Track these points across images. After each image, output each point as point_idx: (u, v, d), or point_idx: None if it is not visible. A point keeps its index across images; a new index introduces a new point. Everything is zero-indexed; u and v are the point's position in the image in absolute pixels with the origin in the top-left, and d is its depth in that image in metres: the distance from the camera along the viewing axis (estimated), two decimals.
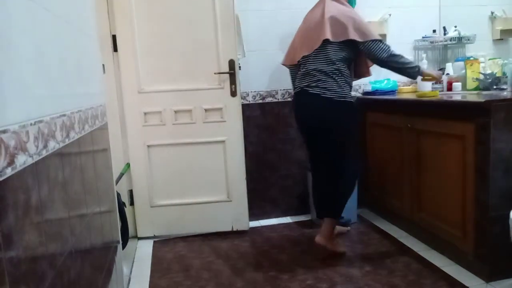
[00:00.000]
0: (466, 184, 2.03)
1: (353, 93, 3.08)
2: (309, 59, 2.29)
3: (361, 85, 3.09)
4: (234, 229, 2.80)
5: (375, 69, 3.10)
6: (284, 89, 2.98)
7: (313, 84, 2.24)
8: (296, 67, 2.43)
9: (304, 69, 2.31)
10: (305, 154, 2.77)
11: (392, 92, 2.97)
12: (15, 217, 0.68)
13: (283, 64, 2.56)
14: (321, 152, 2.35)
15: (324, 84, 2.22)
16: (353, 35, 2.19)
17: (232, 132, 2.71)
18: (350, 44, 2.23)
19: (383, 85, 2.97)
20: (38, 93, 0.88)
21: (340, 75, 2.24)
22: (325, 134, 2.29)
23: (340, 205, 2.36)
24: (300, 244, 2.56)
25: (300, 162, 3.05)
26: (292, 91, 2.51)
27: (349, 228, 2.74)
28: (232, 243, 2.65)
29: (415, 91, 2.99)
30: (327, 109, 2.24)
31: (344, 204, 2.38)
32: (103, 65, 1.96)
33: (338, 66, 2.23)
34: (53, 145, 0.91)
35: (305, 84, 2.28)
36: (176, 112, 2.68)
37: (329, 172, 2.35)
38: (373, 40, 2.19)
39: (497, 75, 2.56)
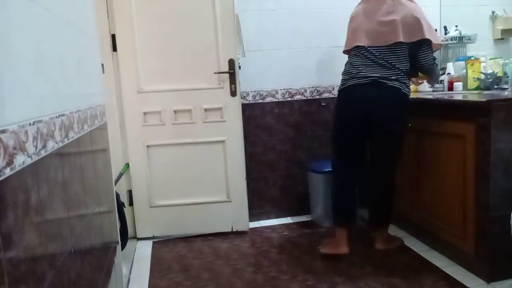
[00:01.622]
0: (467, 184, 2.03)
1: None
2: (385, 51, 2.17)
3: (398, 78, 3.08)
4: (234, 230, 2.80)
5: None
6: (284, 89, 2.97)
7: (393, 77, 2.15)
8: (356, 53, 2.25)
9: (377, 60, 2.17)
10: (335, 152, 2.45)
11: None
12: (15, 217, 0.68)
13: (346, 50, 2.38)
14: (382, 149, 2.26)
15: (403, 79, 2.17)
16: (428, 35, 2.16)
17: (232, 132, 2.71)
18: (415, 44, 2.18)
19: None
20: (37, 93, 0.87)
21: (407, 74, 2.22)
22: (393, 130, 2.21)
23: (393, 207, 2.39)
24: (300, 245, 2.56)
25: (300, 162, 3.04)
26: (348, 77, 2.25)
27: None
28: (232, 243, 2.65)
29: (416, 91, 2.99)
30: (402, 105, 2.19)
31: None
32: (102, 64, 1.96)
33: (407, 66, 2.20)
34: (52, 145, 0.91)
35: (382, 75, 2.15)
36: (175, 112, 2.68)
37: (386, 172, 2.30)
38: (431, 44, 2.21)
39: (498, 74, 2.56)
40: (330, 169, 2.51)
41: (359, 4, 2.36)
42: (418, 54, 2.20)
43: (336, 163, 2.41)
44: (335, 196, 2.43)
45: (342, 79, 2.29)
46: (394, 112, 2.18)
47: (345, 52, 2.42)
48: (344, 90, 2.26)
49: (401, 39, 2.14)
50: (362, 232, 2.71)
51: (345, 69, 2.31)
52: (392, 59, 2.16)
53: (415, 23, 2.15)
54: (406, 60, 2.19)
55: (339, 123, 2.34)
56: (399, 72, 2.17)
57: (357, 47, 2.25)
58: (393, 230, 2.67)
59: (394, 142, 2.25)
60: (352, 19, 2.35)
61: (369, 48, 2.20)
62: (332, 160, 2.46)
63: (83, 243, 1.15)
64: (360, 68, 2.20)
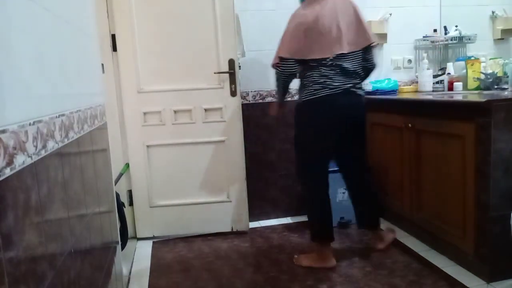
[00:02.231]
0: (467, 184, 2.03)
1: None
2: (348, 58, 2.15)
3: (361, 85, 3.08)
4: (234, 230, 2.80)
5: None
6: None
7: (358, 86, 2.20)
8: (322, 63, 2.14)
9: (343, 68, 2.14)
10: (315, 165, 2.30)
11: (393, 92, 2.97)
12: (15, 217, 0.68)
13: (313, 58, 2.16)
14: (361, 154, 2.35)
15: (361, 86, 2.24)
16: (373, 37, 2.21)
17: (232, 132, 2.71)
18: (365, 48, 2.21)
19: (384, 85, 2.97)
20: (37, 93, 0.87)
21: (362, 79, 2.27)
22: (362, 135, 2.32)
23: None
24: (300, 245, 2.56)
25: None
26: (320, 87, 2.13)
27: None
28: (232, 243, 2.65)
29: (416, 90, 3.00)
30: (364, 110, 2.29)
31: None
32: (102, 64, 1.96)
33: (362, 71, 2.24)
34: (52, 145, 0.91)
35: (350, 84, 2.14)
36: (175, 112, 2.68)
37: (368, 173, 2.39)
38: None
39: (498, 74, 2.56)
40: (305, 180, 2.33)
41: (305, 7, 2.19)
42: (368, 56, 2.23)
43: (313, 175, 2.27)
44: (320, 211, 2.27)
45: (312, 89, 2.13)
46: (364, 118, 2.30)
47: (299, 60, 2.18)
48: (316, 100, 2.13)
49: (360, 47, 2.18)
50: (361, 232, 2.71)
51: (313, 79, 2.14)
52: (355, 67, 2.19)
53: (364, 27, 2.19)
54: (361, 66, 2.22)
55: (315, 132, 2.20)
56: (359, 78, 2.22)
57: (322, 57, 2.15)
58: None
59: (363, 146, 2.38)
60: (303, 24, 2.14)
61: (334, 58, 2.13)
62: (307, 173, 2.29)
63: (83, 243, 1.15)
64: (333, 78, 2.13)
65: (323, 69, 2.14)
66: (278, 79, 2.29)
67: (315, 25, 2.13)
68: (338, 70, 2.14)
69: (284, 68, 2.21)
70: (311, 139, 2.21)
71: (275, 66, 2.25)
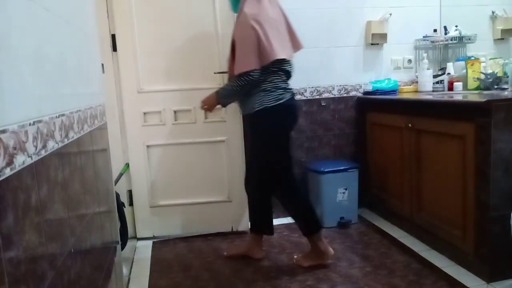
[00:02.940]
0: (466, 184, 2.03)
1: (354, 92, 3.10)
2: (290, 62, 2.24)
3: (361, 85, 3.09)
4: (234, 230, 2.80)
5: (375, 69, 3.12)
6: None
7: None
8: (280, 67, 2.16)
9: (288, 72, 2.22)
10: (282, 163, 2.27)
11: (393, 92, 2.97)
12: (15, 217, 0.68)
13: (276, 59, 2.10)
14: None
15: None
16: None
17: (232, 132, 2.71)
18: None
19: (384, 85, 2.97)
20: (37, 93, 0.87)
21: None
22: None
23: None
24: (300, 245, 2.56)
25: (300, 162, 3.04)
26: (283, 92, 2.16)
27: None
28: (232, 243, 2.65)
29: (416, 90, 3.00)
30: None
31: None
32: (102, 64, 1.96)
33: None
34: (52, 145, 0.91)
35: (291, 88, 2.25)
36: (175, 112, 2.68)
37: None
38: None
39: (498, 74, 2.56)
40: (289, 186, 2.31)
41: (259, 5, 2.10)
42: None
43: (290, 180, 2.29)
44: (308, 205, 2.31)
45: (277, 94, 2.13)
46: None
47: (265, 63, 2.09)
48: (283, 104, 2.14)
49: (296, 51, 2.23)
50: (361, 232, 2.71)
51: (275, 84, 2.14)
52: (292, 70, 2.24)
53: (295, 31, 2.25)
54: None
55: (285, 137, 2.24)
56: None
57: (282, 59, 2.13)
58: (393, 230, 2.68)
59: None
60: (265, 23, 2.06)
61: (289, 60, 2.20)
62: (287, 178, 2.28)
63: (83, 243, 1.15)
64: (287, 82, 2.22)
65: (281, 73, 2.17)
66: (242, 86, 2.10)
67: (275, 26, 2.13)
68: (287, 74, 2.22)
69: (256, 74, 2.08)
70: (280, 142, 2.23)
71: (246, 74, 2.07)
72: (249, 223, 2.55)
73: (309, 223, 2.29)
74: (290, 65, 2.23)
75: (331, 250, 2.25)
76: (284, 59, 2.15)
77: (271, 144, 2.22)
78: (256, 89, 2.13)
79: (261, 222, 2.40)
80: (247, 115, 2.23)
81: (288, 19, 2.23)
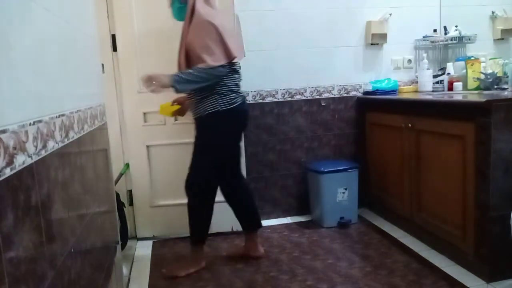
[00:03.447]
0: (466, 184, 2.03)
1: (354, 92, 3.10)
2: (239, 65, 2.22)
3: (361, 85, 3.09)
4: (234, 230, 2.79)
5: (375, 69, 3.12)
6: (284, 89, 2.97)
7: None
8: (233, 68, 2.14)
9: (240, 74, 2.21)
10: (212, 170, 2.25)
11: (393, 92, 2.97)
12: (15, 217, 0.68)
13: (231, 59, 2.07)
14: (239, 160, 2.37)
15: None
16: None
17: None
18: None
19: (384, 85, 2.97)
20: (37, 93, 0.87)
21: None
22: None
23: None
24: (300, 245, 2.56)
25: (300, 162, 3.05)
26: (236, 96, 2.14)
27: None
28: (232, 243, 2.65)
29: (416, 90, 3.00)
30: None
31: None
32: (102, 64, 1.96)
33: None
34: (52, 145, 0.91)
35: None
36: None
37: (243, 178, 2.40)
38: None
39: (498, 74, 2.56)
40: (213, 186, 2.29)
41: (211, 8, 2.11)
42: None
43: (214, 181, 2.27)
44: (209, 215, 2.30)
45: (230, 98, 2.11)
46: None
47: (222, 65, 2.05)
48: (236, 109, 2.13)
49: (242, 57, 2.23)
50: (361, 232, 2.71)
51: (229, 87, 2.12)
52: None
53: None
54: None
55: (234, 140, 2.23)
56: None
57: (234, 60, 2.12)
58: (393, 230, 2.68)
59: None
60: (219, 26, 2.04)
61: (238, 62, 2.18)
62: (211, 179, 2.24)
63: (83, 243, 1.15)
64: (239, 85, 2.19)
65: (235, 76, 2.15)
66: (207, 80, 2.03)
67: (227, 26, 2.12)
68: (239, 77, 2.20)
69: (224, 71, 2.05)
70: (229, 147, 2.23)
71: (215, 69, 2.02)
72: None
73: (201, 234, 2.29)
74: (240, 67, 2.20)
75: (203, 261, 2.31)
76: (236, 61, 2.15)
77: (212, 147, 2.17)
78: (210, 92, 2.08)
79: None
80: (199, 117, 2.16)
81: (235, 27, 2.19)
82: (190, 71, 2.02)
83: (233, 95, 2.12)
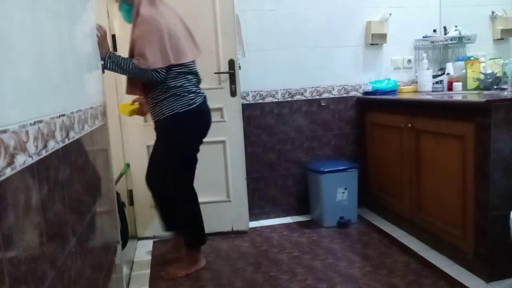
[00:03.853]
0: (466, 184, 2.03)
1: (353, 92, 3.11)
2: (195, 64, 2.17)
3: (361, 85, 3.09)
4: (234, 230, 2.80)
5: (375, 69, 3.12)
6: (284, 89, 2.98)
7: None
8: (190, 69, 2.11)
9: (197, 73, 2.17)
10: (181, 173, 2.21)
11: (393, 92, 2.97)
12: (15, 217, 0.68)
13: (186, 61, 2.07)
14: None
15: None
16: None
17: (232, 132, 2.71)
18: None
19: (384, 85, 2.97)
20: (38, 93, 0.87)
21: None
22: None
23: None
24: (300, 244, 2.56)
25: (300, 162, 3.05)
26: (194, 96, 2.10)
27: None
28: (232, 243, 2.65)
29: (416, 91, 3.00)
30: None
31: None
32: (102, 64, 1.96)
33: None
34: (52, 145, 0.91)
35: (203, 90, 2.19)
36: None
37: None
38: None
39: (498, 75, 2.56)
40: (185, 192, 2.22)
41: (156, 8, 2.05)
42: None
43: (191, 185, 2.23)
44: (200, 218, 2.28)
45: (188, 99, 2.07)
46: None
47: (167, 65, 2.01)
48: (195, 109, 2.09)
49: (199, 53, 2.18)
50: (361, 232, 2.72)
51: (186, 88, 2.07)
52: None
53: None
54: None
55: (196, 143, 2.19)
56: None
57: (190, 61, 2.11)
58: (393, 230, 2.68)
59: None
60: (167, 22, 2.02)
61: (194, 62, 2.14)
62: (186, 183, 2.21)
63: (83, 243, 1.15)
64: (197, 85, 2.15)
65: (189, 76, 2.10)
66: (139, 76, 2.02)
67: (179, 26, 2.08)
68: (197, 77, 2.16)
69: (163, 74, 2.01)
70: (191, 151, 2.19)
71: (156, 71, 1.98)
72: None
73: (199, 237, 2.28)
74: (196, 67, 2.16)
75: (203, 260, 2.32)
76: (193, 61, 2.12)
77: (176, 151, 2.13)
78: (164, 94, 2.04)
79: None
80: (157, 120, 2.12)
81: (186, 24, 2.14)
82: (128, 60, 1.99)
83: (191, 96, 2.08)
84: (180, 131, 2.10)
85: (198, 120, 2.15)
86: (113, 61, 1.97)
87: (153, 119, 2.16)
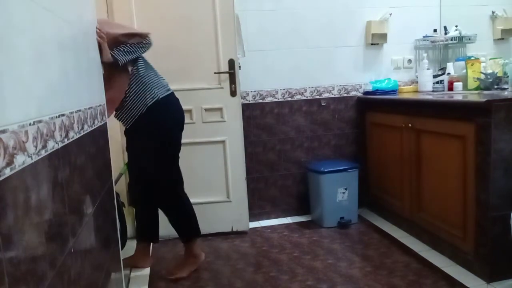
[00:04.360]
0: (467, 184, 2.03)
1: (354, 92, 3.11)
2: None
3: (361, 85, 3.09)
4: (234, 230, 2.80)
5: (375, 69, 3.11)
6: (284, 89, 2.98)
7: None
8: (144, 61, 2.13)
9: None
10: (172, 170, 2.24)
11: (393, 91, 2.97)
12: (15, 217, 0.68)
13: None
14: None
15: None
16: None
17: (232, 132, 2.71)
18: None
19: (384, 85, 2.97)
20: (37, 93, 0.87)
21: None
22: None
23: None
24: (300, 245, 2.56)
25: (300, 162, 3.05)
26: (163, 90, 2.09)
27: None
28: (232, 243, 2.65)
29: (416, 90, 3.00)
30: None
31: None
32: None
33: None
34: (52, 145, 0.91)
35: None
36: None
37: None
38: None
39: (498, 74, 2.56)
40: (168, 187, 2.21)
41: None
42: None
43: (174, 181, 2.21)
44: (188, 214, 2.26)
45: (151, 92, 2.05)
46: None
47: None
48: (166, 100, 2.08)
49: None
50: (361, 232, 2.72)
51: (149, 79, 2.07)
52: None
53: None
54: None
55: (176, 134, 2.17)
56: None
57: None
58: (393, 230, 2.68)
59: None
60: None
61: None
62: (174, 176, 2.21)
63: (83, 243, 1.15)
64: (158, 75, 2.14)
65: (150, 68, 2.12)
66: (143, 49, 2.07)
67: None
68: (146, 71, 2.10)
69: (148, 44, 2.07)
70: (175, 138, 2.16)
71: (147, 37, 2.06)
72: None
73: (188, 229, 2.28)
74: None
75: (202, 254, 2.32)
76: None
77: (156, 145, 2.11)
78: (130, 99, 2.04)
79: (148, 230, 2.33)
80: (130, 126, 2.09)
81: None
82: (128, 45, 1.99)
83: (154, 89, 2.06)
84: (155, 124, 2.08)
85: (170, 109, 2.13)
86: (119, 53, 1.95)
87: (127, 126, 2.11)
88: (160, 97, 2.06)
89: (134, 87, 2.05)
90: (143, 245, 2.35)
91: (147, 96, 2.04)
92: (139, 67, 2.07)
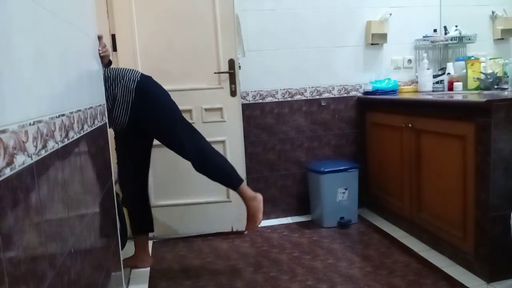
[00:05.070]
0: (467, 184, 2.03)
1: (354, 92, 3.11)
2: None
3: (361, 85, 3.09)
4: (234, 230, 2.80)
5: (375, 69, 3.12)
6: (284, 89, 2.98)
7: None
8: None
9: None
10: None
11: (393, 91, 2.97)
12: (15, 217, 0.68)
13: None
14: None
15: None
16: None
17: (232, 132, 2.71)
18: None
19: (384, 85, 2.97)
20: (37, 93, 0.87)
21: None
22: None
23: None
24: (300, 245, 2.56)
25: (300, 162, 3.05)
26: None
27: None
28: (232, 243, 2.65)
29: (416, 90, 3.00)
30: None
31: None
32: None
33: None
34: (52, 145, 0.91)
35: None
36: None
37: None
38: None
39: (498, 74, 2.56)
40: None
41: None
42: None
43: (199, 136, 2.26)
44: (222, 160, 2.31)
45: (128, 78, 2.07)
46: None
47: None
48: (145, 78, 2.13)
49: None
50: (361, 232, 2.72)
51: (118, 72, 2.09)
52: None
53: None
54: None
55: (170, 98, 2.19)
56: None
57: None
58: (393, 230, 2.68)
59: None
60: None
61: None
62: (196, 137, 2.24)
63: (83, 243, 1.15)
64: (121, 73, 2.12)
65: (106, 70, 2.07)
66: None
67: None
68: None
69: None
70: (174, 105, 2.20)
71: None
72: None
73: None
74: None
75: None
76: None
77: (169, 110, 2.16)
78: (115, 81, 2.06)
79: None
80: (128, 119, 2.08)
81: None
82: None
83: (130, 76, 2.08)
84: (152, 98, 2.11)
85: (154, 85, 2.17)
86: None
87: (125, 123, 2.10)
88: (138, 77, 2.09)
89: (113, 82, 2.05)
90: (141, 241, 2.35)
91: (128, 83, 2.06)
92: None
